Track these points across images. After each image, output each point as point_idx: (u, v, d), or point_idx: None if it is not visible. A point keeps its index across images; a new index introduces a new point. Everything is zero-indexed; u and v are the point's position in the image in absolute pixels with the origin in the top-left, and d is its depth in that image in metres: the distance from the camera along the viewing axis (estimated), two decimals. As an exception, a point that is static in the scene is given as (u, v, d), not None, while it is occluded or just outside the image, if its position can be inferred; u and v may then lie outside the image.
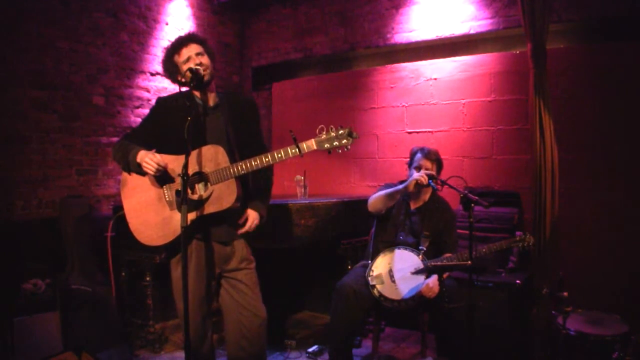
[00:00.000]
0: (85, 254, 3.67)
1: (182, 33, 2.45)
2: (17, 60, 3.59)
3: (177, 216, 2.24)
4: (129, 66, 4.33)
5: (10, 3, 3.54)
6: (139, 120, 4.39)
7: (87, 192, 3.99)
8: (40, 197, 3.72)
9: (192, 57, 2.31)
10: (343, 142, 2.15)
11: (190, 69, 2.25)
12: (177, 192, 2.25)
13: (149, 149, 2.32)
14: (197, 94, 2.37)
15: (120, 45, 4.24)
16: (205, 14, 5.02)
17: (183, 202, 2.08)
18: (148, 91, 4.49)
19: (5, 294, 3.08)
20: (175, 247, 2.32)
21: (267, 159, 2.17)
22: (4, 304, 2.99)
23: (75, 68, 3.93)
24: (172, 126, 2.29)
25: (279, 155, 2.17)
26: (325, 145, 2.16)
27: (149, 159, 2.21)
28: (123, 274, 3.71)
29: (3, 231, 3.44)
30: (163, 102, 2.45)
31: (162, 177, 2.29)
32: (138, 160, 2.25)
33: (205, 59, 2.33)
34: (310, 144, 2.16)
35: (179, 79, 2.36)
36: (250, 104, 2.59)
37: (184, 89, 2.38)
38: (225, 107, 2.40)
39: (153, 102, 4.67)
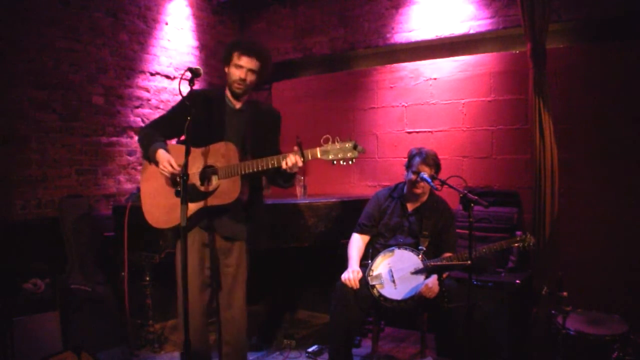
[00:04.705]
0: (85, 253, 3.68)
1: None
2: (17, 60, 3.59)
3: None
4: (129, 66, 4.33)
5: (10, 3, 3.55)
6: (139, 120, 4.40)
7: (86, 192, 3.99)
8: (40, 197, 3.72)
9: (243, 69, 2.40)
10: (348, 155, 2.17)
11: (190, 68, 2.25)
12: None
13: (173, 137, 2.52)
14: (228, 94, 2.49)
15: (120, 45, 4.24)
16: (205, 14, 5.02)
17: (183, 201, 2.10)
18: (148, 91, 4.49)
19: (5, 294, 3.08)
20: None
21: (272, 162, 2.25)
22: (4, 304, 2.99)
23: (75, 68, 3.93)
24: (199, 119, 2.33)
25: (284, 159, 2.24)
26: (330, 157, 2.19)
27: (166, 164, 2.31)
28: (122, 273, 3.71)
29: (3, 231, 3.44)
30: (194, 96, 2.49)
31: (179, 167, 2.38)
32: (157, 159, 2.36)
33: (251, 77, 2.42)
34: (314, 153, 2.21)
35: (225, 69, 2.48)
36: (273, 114, 2.68)
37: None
38: (248, 112, 2.52)
39: (153, 101, 4.68)
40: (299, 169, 2.30)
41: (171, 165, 2.30)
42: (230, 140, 2.37)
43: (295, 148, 2.22)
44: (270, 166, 2.25)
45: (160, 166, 2.33)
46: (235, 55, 2.40)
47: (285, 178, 2.45)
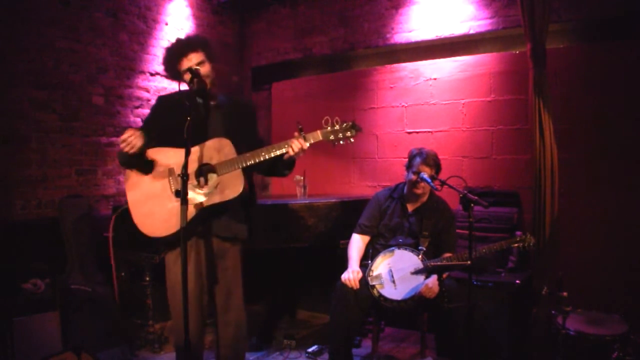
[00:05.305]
0: (85, 254, 3.67)
1: (182, 33, 2.47)
2: (17, 60, 3.59)
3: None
4: (129, 66, 4.33)
5: (10, 3, 3.54)
6: (139, 120, 4.40)
7: (86, 192, 3.99)
8: (40, 197, 3.72)
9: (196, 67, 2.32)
10: (347, 134, 2.29)
11: (189, 69, 2.26)
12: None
13: (156, 145, 2.36)
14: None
15: (120, 45, 4.24)
16: (204, 14, 5.02)
17: (183, 202, 2.08)
18: (148, 91, 4.49)
19: (5, 294, 3.08)
20: (175, 242, 2.33)
21: (274, 150, 2.26)
22: (4, 304, 2.99)
23: (75, 68, 3.93)
24: (174, 123, 2.28)
25: (285, 146, 2.26)
26: (331, 137, 2.29)
27: (125, 137, 2.17)
28: (123, 273, 3.71)
29: (3, 231, 3.44)
30: (164, 100, 2.48)
31: (167, 170, 2.33)
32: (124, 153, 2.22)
33: (205, 68, 2.34)
34: (316, 135, 2.30)
35: (181, 83, 2.40)
36: (248, 105, 2.74)
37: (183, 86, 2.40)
38: (225, 107, 2.47)
39: (153, 102, 4.67)
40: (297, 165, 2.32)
41: (129, 135, 2.16)
42: (218, 136, 2.33)
43: (296, 133, 2.26)
44: (272, 155, 2.25)
45: (122, 145, 2.17)
46: (177, 66, 2.34)
47: (287, 165, 2.42)
